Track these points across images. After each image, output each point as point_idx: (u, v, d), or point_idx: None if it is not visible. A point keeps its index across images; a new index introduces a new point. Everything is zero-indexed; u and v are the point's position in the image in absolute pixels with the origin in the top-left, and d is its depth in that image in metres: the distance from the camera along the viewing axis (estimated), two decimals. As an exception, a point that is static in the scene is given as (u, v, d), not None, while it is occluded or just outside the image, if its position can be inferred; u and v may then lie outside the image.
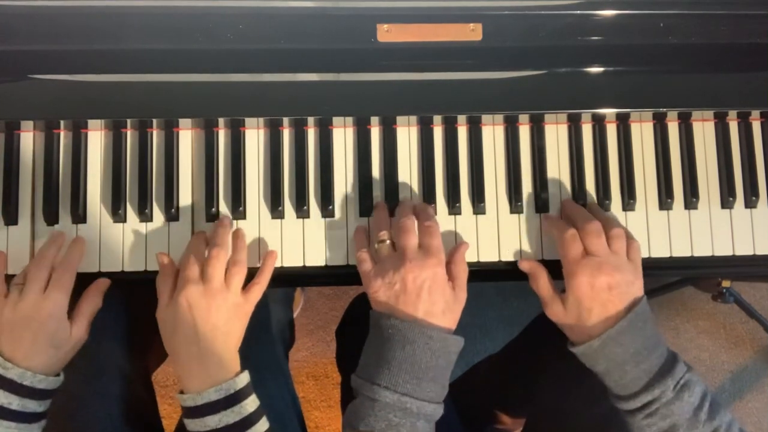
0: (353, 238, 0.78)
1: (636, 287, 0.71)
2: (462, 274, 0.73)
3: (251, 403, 0.70)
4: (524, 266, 0.76)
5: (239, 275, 0.73)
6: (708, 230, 0.81)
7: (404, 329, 0.67)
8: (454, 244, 0.78)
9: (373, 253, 0.74)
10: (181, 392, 0.70)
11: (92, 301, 0.74)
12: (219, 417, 0.67)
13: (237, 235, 0.77)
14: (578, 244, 0.72)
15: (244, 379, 0.70)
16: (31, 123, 0.77)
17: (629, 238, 0.75)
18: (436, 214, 0.79)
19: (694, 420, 0.67)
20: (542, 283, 0.75)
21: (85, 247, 0.76)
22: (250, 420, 0.69)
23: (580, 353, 0.71)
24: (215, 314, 0.70)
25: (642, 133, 0.82)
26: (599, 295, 0.69)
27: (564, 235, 0.73)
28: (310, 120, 0.78)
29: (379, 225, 0.75)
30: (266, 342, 0.92)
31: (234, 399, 0.68)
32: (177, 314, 0.70)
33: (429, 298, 0.68)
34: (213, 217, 0.78)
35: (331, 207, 0.78)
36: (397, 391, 0.66)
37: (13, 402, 0.67)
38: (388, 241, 0.73)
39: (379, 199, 0.79)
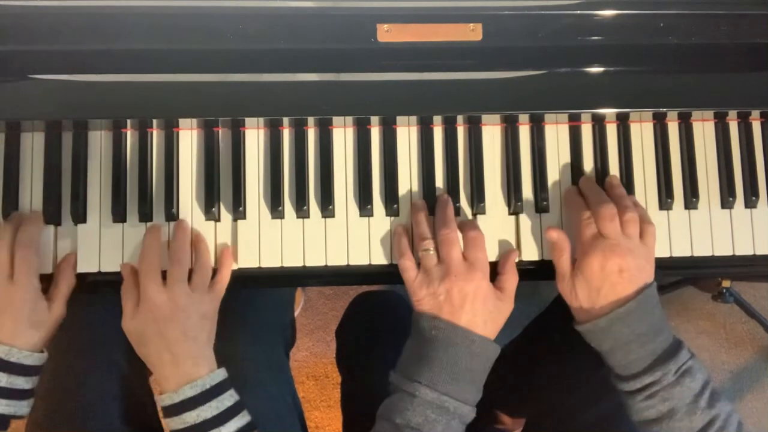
0: (394, 243, 0.77)
1: (647, 272, 0.72)
2: (510, 285, 0.74)
3: (229, 398, 0.70)
4: (552, 235, 0.75)
5: (203, 277, 0.73)
6: (708, 230, 0.81)
7: (448, 331, 0.69)
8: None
9: (417, 259, 0.75)
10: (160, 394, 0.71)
11: (66, 277, 0.75)
12: (197, 413, 0.68)
13: (198, 239, 0.77)
14: (592, 226, 0.73)
15: (220, 374, 0.71)
16: (31, 123, 0.77)
17: (645, 222, 0.74)
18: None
19: (694, 406, 0.67)
20: (564, 257, 0.74)
21: (42, 221, 0.75)
22: (229, 414, 0.69)
23: (586, 331, 0.72)
24: (183, 320, 0.70)
25: (642, 133, 0.82)
26: (609, 277, 0.70)
27: (580, 217, 0.74)
28: (310, 120, 0.78)
29: (422, 232, 0.75)
30: (267, 342, 0.92)
31: (210, 394, 0.69)
32: (145, 325, 0.70)
33: (471, 310, 0.70)
34: (213, 217, 0.78)
35: (331, 207, 0.78)
36: (437, 389, 0.67)
37: (2, 379, 0.69)
38: (432, 251, 0.73)
39: (378, 198, 0.79)
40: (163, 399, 0.70)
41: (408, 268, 0.74)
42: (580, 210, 0.75)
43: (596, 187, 0.78)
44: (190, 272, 0.74)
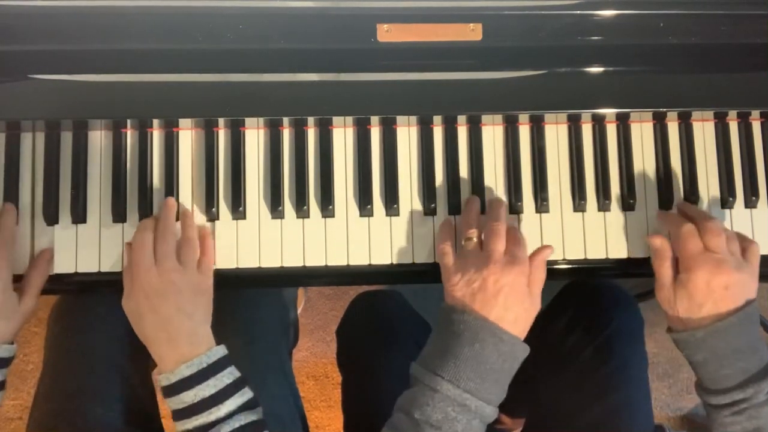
0: (439, 228, 0.78)
1: (751, 289, 0.71)
2: (539, 281, 0.72)
3: (228, 375, 0.70)
4: (656, 242, 0.75)
5: (191, 252, 0.73)
6: (708, 230, 0.81)
7: (476, 326, 0.67)
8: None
9: (458, 248, 0.74)
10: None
11: (40, 272, 0.75)
12: (194, 392, 0.67)
13: (185, 214, 0.77)
14: (697, 240, 0.71)
15: (219, 352, 0.70)
16: (31, 123, 0.77)
17: (748, 240, 0.74)
18: (435, 214, 0.79)
19: None
20: (666, 265, 0.73)
21: (15, 216, 0.76)
22: (228, 391, 0.69)
23: (681, 340, 0.72)
24: (176, 295, 0.70)
25: (642, 133, 0.82)
26: (713, 293, 0.69)
27: (682, 230, 0.72)
28: (310, 120, 0.78)
29: (470, 222, 0.75)
30: (269, 342, 0.92)
31: (208, 372, 0.68)
32: (139, 303, 0.70)
33: (504, 304, 0.68)
34: (213, 216, 0.78)
35: (331, 207, 0.78)
36: (459, 386, 0.65)
37: None
38: (475, 239, 0.73)
39: (378, 198, 0.79)
40: (161, 379, 0.69)
41: (447, 252, 0.73)
42: (681, 222, 0.73)
43: (697, 207, 0.79)
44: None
